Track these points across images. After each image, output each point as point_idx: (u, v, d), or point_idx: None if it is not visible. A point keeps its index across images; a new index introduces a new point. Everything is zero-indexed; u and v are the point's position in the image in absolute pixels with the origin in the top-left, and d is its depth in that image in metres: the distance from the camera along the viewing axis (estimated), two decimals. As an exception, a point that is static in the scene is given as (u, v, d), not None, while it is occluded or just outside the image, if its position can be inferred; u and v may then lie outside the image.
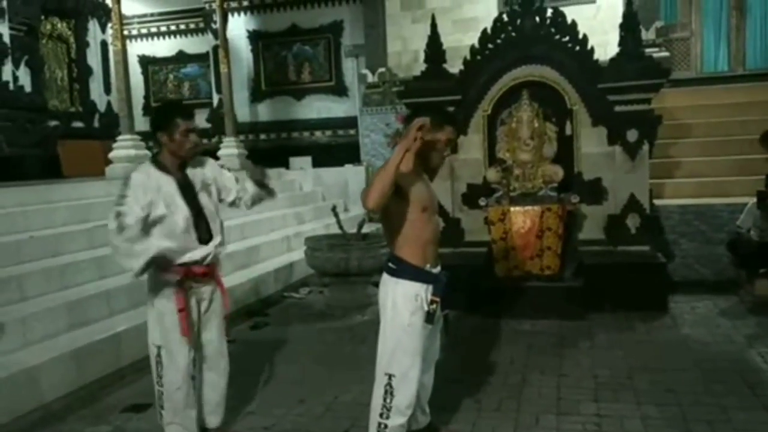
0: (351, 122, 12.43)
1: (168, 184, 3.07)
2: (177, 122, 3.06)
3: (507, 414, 3.62)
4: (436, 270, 2.86)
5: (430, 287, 2.80)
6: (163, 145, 3.11)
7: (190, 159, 3.19)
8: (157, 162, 3.12)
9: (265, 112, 13.30)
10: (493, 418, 3.56)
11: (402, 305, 2.77)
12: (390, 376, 2.78)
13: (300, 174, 11.44)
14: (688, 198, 7.17)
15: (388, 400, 2.78)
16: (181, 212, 3.07)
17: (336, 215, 6.59)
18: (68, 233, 5.60)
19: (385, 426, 2.79)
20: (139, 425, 3.69)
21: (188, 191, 3.14)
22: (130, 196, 2.97)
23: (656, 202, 6.63)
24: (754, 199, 5.82)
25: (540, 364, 4.39)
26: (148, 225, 2.99)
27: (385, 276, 2.88)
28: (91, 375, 4.20)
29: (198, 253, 3.13)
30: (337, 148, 12.47)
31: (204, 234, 3.16)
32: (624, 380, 4.04)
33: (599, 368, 4.27)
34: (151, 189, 3.01)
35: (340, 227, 6.50)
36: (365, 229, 6.38)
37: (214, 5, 11.75)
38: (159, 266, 3.04)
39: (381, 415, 2.80)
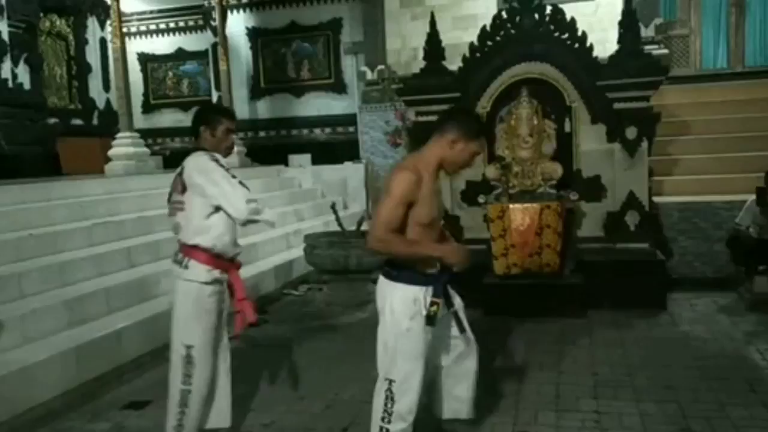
0: (350, 119, 12.41)
1: None
2: (221, 120, 3.15)
3: (506, 411, 3.62)
4: (434, 270, 2.73)
5: (430, 289, 2.69)
6: (203, 140, 3.13)
7: (223, 157, 3.20)
8: (205, 150, 3.12)
9: (264, 109, 13.29)
10: (491, 415, 3.56)
11: (400, 310, 2.67)
12: (390, 382, 2.70)
13: (299, 171, 11.44)
14: (687, 195, 7.16)
15: (389, 406, 2.71)
16: None
17: (335, 212, 6.59)
18: (67, 231, 5.60)
19: (387, 431, 2.73)
20: (138, 422, 3.69)
21: None
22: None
23: (655, 199, 6.63)
24: (754, 197, 5.82)
25: (539, 361, 4.39)
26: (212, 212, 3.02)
27: (381, 279, 2.78)
28: (90, 372, 4.20)
29: (238, 247, 3.18)
30: (336, 146, 12.45)
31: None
32: (623, 377, 4.05)
33: (598, 365, 4.28)
34: None
35: (340, 224, 6.51)
36: (364, 227, 6.38)
37: (213, 2, 11.76)
38: (218, 256, 3.06)
39: (383, 419, 2.73)
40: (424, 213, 2.64)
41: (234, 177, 3.00)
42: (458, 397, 3.04)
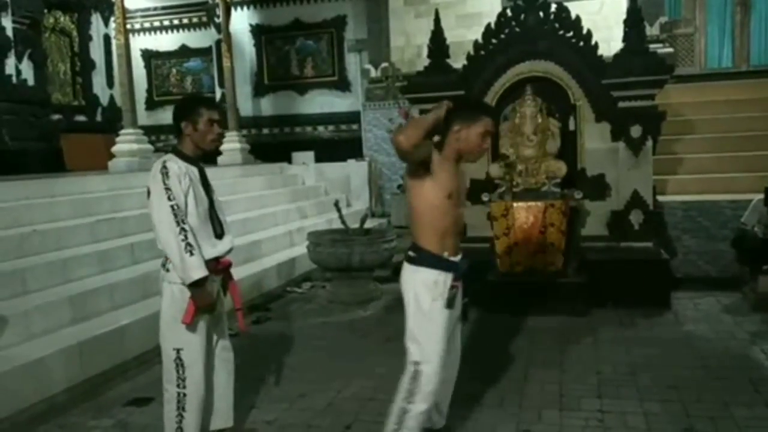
0: (354, 117, 12.42)
1: (194, 173, 3.03)
2: (201, 111, 3.01)
3: (509, 409, 3.61)
4: (456, 258, 2.87)
5: (450, 274, 2.83)
6: (185, 135, 3.03)
7: (212, 150, 3.15)
8: (179, 152, 3.04)
9: (267, 106, 13.29)
10: (495, 414, 3.55)
11: (422, 293, 2.80)
12: (416, 363, 2.79)
13: (302, 169, 11.43)
14: (691, 194, 7.15)
15: (413, 385, 2.77)
16: (202, 204, 3.04)
17: (338, 210, 6.59)
18: (71, 227, 5.59)
19: (406, 411, 2.76)
20: (142, 419, 3.69)
21: (206, 182, 3.11)
22: (173, 187, 2.89)
23: (660, 198, 6.61)
24: (760, 196, 5.80)
25: (542, 360, 4.38)
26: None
27: (405, 265, 2.91)
28: (94, 368, 4.19)
29: (221, 247, 3.11)
30: (339, 143, 12.46)
31: (218, 227, 3.13)
32: (627, 376, 4.04)
33: (602, 364, 4.27)
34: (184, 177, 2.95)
35: (343, 222, 6.50)
36: (368, 224, 6.38)
37: (217, -1, 11.76)
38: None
39: (404, 399, 2.78)
40: (444, 180, 2.77)
41: (169, 193, 2.86)
42: (438, 407, 3.09)
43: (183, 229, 2.86)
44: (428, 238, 2.83)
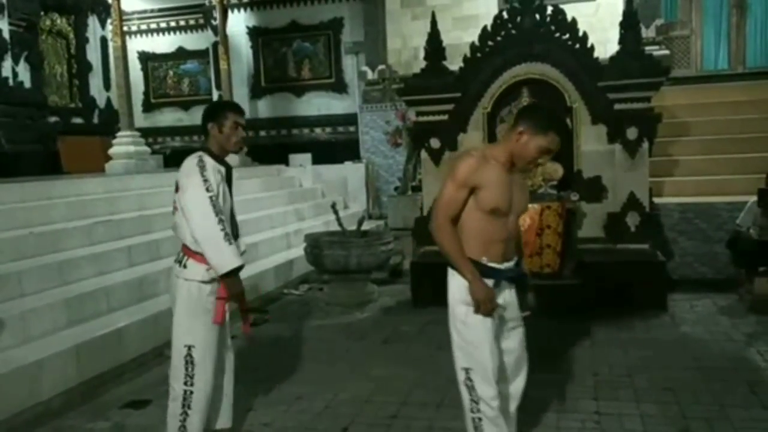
0: (351, 119, 12.43)
1: (222, 171, 3.09)
2: (228, 114, 3.12)
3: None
4: (501, 265, 2.73)
5: (489, 281, 2.69)
6: (211, 136, 3.11)
7: (234, 153, 3.21)
8: (208, 151, 3.10)
9: (264, 108, 13.29)
10: (492, 416, 3.55)
11: (456, 298, 2.72)
12: (466, 370, 2.71)
13: (299, 171, 11.44)
14: (687, 196, 7.16)
15: (472, 394, 2.71)
16: (227, 202, 3.10)
17: (336, 212, 6.58)
18: (68, 229, 5.59)
19: (480, 419, 2.70)
20: (139, 421, 3.69)
21: (230, 182, 3.17)
22: (211, 179, 2.95)
23: (656, 200, 6.62)
24: (755, 198, 5.82)
25: (539, 362, 4.37)
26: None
27: (448, 270, 2.79)
28: (90, 371, 4.19)
29: (240, 248, 3.15)
30: (336, 145, 12.47)
31: (236, 228, 3.19)
32: (623, 378, 4.05)
33: (599, 366, 4.27)
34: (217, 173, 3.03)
35: (340, 224, 6.50)
36: (365, 226, 6.38)
37: (214, 1, 11.77)
38: None
39: (471, 410, 2.72)
40: (488, 198, 2.63)
41: (207, 185, 2.92)
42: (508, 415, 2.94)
43: (221, 220, 2.93)
44: (468, 243, 2.71)
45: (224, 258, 2.93)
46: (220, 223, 2.91)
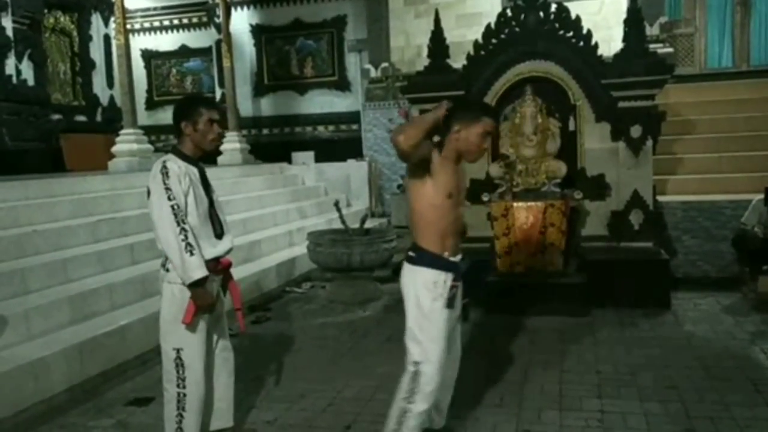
0: (354, 117, 12.42)
1: (194, 173, 3.02)
2: (201, 111, 3.01)
3: (509, 409, 3.61)
4: (456, 258, 2.89)
5: (450, 274, 2.84)
6: (185, 135, 3.02)
7: (213, 150, 3.15)
8: (179, 152, 3.03)
9: (267, 106, 13.29)
10: (494, 414, 3.55)
11: (422, 293, 2.81)
12: (416, 363, 2.80)
13: (302, 169, 11.43)
14: (691, 194, 7.14)
15: (413, 385, 2.78)
16: (202, 204, 3.03)
17: (338, 210, 6.59)
18: (71, 227, 5.59)
19: (406, 411, 2.78)
20: (142, 419, 3.69)
21: (206, 182, 3.11)
22: (173, 187, 2.89)
23: (660, 198, 6.61)
24: (760, 196, 5.80)
25: (542, 360, 4.38)
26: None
27: (405, 265, 2.92)
28: (94, 369, 4.20)
29: (221, 247, 3.11)
30: (339, 143, 12.46)
31: (218, 227, 3.13)
32: (627, 376, 4.04)
33: (602, 364, 4.27)
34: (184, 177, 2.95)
35: (343, 222, 6.50)
36: (368, 224, 6.38)
37: (217, -1, 11.75)
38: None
39: (405, 399, 2.79)
40: (441, 180, 2.78)
41: (169, 193, 2.85)
42: (438, 407, 3.07)
43: (183, 229, 2.86)
44: (428, 238, 2.84)
45: (185, 269, 2.85)
46: (181, 233, 2.84)
